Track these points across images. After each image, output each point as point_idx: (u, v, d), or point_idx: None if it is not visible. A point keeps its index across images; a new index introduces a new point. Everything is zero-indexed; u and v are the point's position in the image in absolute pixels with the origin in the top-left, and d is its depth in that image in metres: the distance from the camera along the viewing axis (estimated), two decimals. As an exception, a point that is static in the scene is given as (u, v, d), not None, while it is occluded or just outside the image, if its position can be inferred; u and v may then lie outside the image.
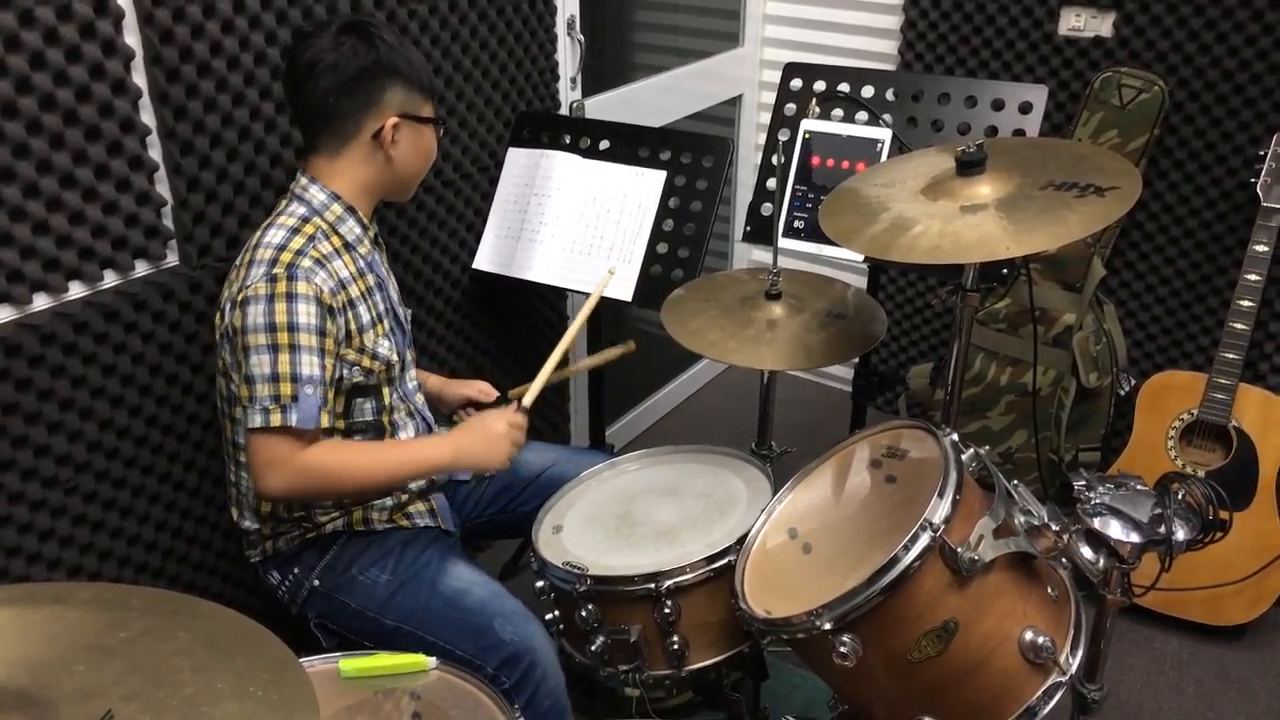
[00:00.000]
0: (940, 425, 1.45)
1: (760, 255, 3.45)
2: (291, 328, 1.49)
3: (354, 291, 1.60)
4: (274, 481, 1.52)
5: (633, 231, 2.10)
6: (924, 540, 1.24)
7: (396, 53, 1.57)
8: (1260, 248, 2.21)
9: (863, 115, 2.16)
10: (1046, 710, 1.31)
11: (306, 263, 1.52)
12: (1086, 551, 1.33)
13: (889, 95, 2.16)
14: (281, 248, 1.52)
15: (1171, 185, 2.55)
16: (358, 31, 1.55)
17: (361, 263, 1.64)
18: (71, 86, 1.51)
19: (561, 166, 2.18)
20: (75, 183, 1.55)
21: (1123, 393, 2.56)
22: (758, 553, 1.51)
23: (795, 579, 1.43)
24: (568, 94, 2.51)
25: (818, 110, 2.18)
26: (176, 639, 0.93)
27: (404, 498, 1.74)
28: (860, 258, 1.99)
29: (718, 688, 1.77)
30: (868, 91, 2.17)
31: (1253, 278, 2.21)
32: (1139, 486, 1.38)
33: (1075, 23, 2.55)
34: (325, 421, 1.53)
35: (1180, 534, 1.31)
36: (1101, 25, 2.52)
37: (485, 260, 2.26)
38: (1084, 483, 1.39)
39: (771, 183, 2.20)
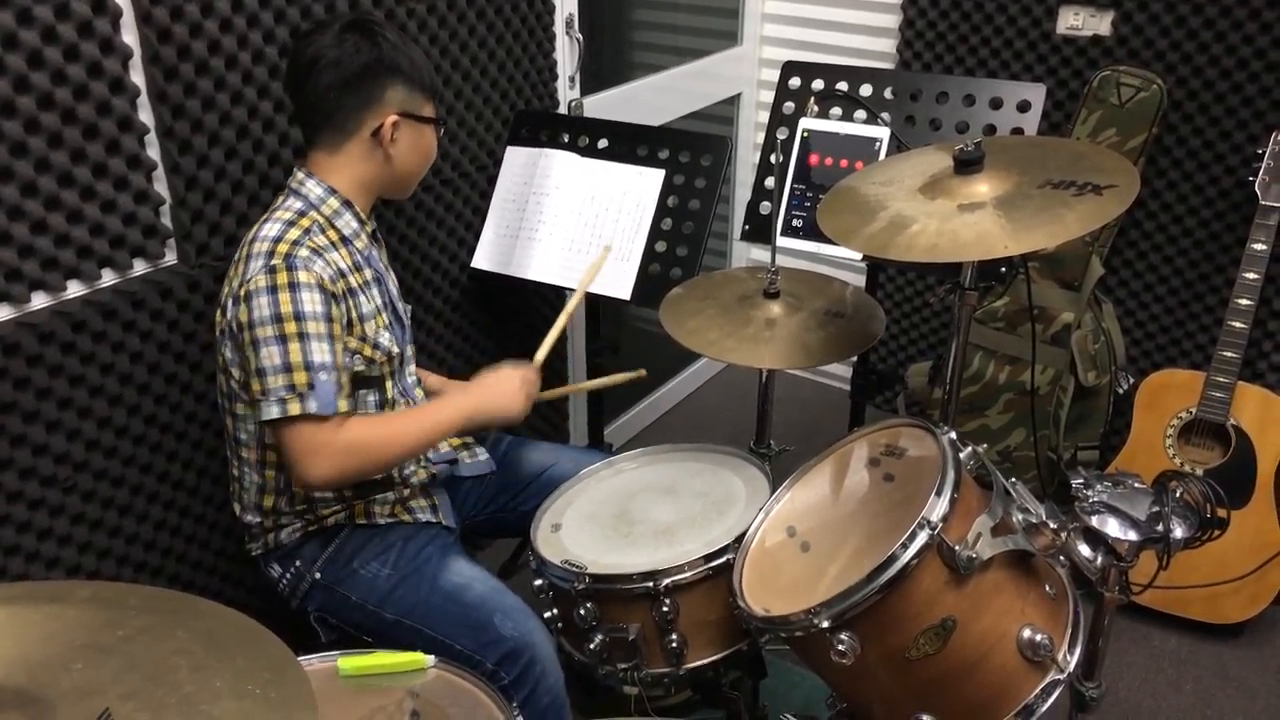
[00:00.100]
0: (938, 424, 1.45)
1: (759, 254, 3.45)
2: (298, 316, 1.49)
3: (353, 281, 1.60)
4: (319, 469, 1.51)
5: (631, 230, 2.10)
6: (922, 538, 1.24)
7: (399, 51, 1.58)
8: (1258, 246, 2.21)
9: (861, 114, 2.16)
10: (1044, 708, 1.31)
11: (304, 252, 1.52)
12: (1084, 549, 1.33)
13: (887, 94, 2.16)
14: (278, 240, 1.52)
15: (1170, 184, 2.55)
16: (361, 29, 1.56)
17: (359, 256, 1.64)
18: (69, 85, 1.51)
19: (560, 165, 2.18)
20: (73, 181, 1.55)
21: (1121, 391, 2.56)
22: (756, 551, 1.51)
23: (793, 577, 1.43)
24: (566, 93, 2.51)
25: (816, 109, 2.18)
26: (175, 638, 0.93)
27: (406, 492, 1.75)
28: (859, 256, 1.99)
29: (716, 686, 1.77)
30: (866, 90, 2.17)
31: (1251, 276, 2.21)
32: (1137, 485, 1.38)
33: (1073, 21, 2.55)
34: (344, 406, 1.53)
35: (1178, 532, 1.31)
36: (1100, 24, 2.52)
37: (484, 259, 2.26)
38: (1082, 481, 1.39)
39: (770, 181, 2.20)
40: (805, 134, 2.16)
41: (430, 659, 1.38)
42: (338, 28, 1.55)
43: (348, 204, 1.62)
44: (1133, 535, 1.31)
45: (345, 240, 1.62)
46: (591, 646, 1.54)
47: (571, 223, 2.15)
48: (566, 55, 2.48)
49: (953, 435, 1.39)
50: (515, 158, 2.26)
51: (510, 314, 2.52)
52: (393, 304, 1.73)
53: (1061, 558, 1.35)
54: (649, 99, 2.80)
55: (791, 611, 1.31)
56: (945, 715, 1.31)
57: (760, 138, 2.91)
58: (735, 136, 3.29)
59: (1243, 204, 2.46)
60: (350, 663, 1.38)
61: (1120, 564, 1.32)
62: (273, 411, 1.49)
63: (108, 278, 1.65)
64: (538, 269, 2.16)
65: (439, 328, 2.32)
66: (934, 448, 1.40)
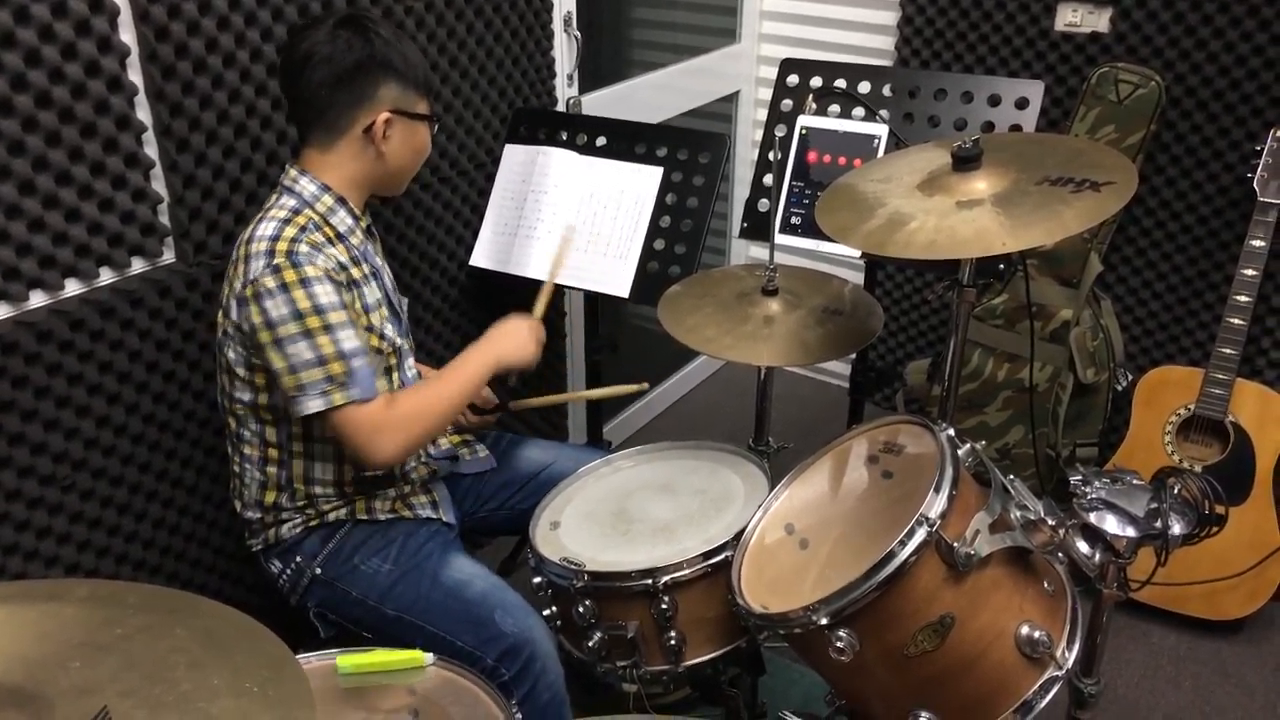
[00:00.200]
0: (937, 421, 1.45)
1: (757, 251, 3.44)
2: (318, 310, 1.50)
3: (354, 274, 1.61)
4: (388, 446, 1.55)
5: (630, 228, 2.10)
6: (920, 535, 1.24)
7: (392, 48, 1.57)
8: (1257, 243, 2.21)
9: (859, 111, 2.16)
10: (1043, 704, 1.31)
11: (304, 248, 1.52)
12: (1083, 546, 1.33)
13: (886, 91, 2.16)
14: (275, 238, 1.52)
15: (1169, 180, 2.55)
16: (354, 25, 1.55)
17: (355, 252, 1.64)
18: (67, 83, 1.51)
19: (558, 163, 2.18)
20: (71, 180, 1.55)
21: (1120, 388, 2.56)
22: (755, 548, 1.51)
23: (792, 574, 1.43)
24: (564, 90, 2.50)
25: (814, 106, 2.18)
26: (173, 636, 0.93)
27: (406, 488, 1.75)
28: (857, 253, 1.99)
29: (715, 683, 1.78)
30: (864, 87, 2.17)
31: (1249, 273, 2.21)
32: (1135, 481, 1.38)
33: (1072, 18, 2.55)
34: (382, 385, 1.57)
35: (1176, 528, 1.31)
36: (1098, 21, 2.52)
37: (482, 257, 2.26)
38: (1080, 478, 1.39)
39: (768, 179, 2.20)
40: (804, 131, 2.16)
41: (429, 657, 1.38)
42: (331, 24, 1.55)
43: (341, 200, 1.62)
44: (1131, 532, 1.30)
45: (341, 237, 1.62)
46: (590, 644, 1.54)
47: (570, 220, 2.15)
48: (565, 53, 2.48)
49: (951, 432, 1.39)
50: (514, 155, 2.25)
51: (508, 312, 2.51)
52: (389, 298, 1.73)
53: (1060, 554, 1.35)
54: (647, 96, 2.79)
55: (790, 609, 1.31)
56: (944, 712, 1.31)
57: (759, 135, 2.91)
58: (734, 134, 3.29)
59: (1241, 201, 2.46)
60: (349, 660, 1.38)
61: (1118, 560, 1.32)
62: (315, 405, 1.50)
63: (106, 276, 1.65)
64: (536, 267, 2.16)
65: (438, 325, 2.32)
66: (932, 445, 1.40)
